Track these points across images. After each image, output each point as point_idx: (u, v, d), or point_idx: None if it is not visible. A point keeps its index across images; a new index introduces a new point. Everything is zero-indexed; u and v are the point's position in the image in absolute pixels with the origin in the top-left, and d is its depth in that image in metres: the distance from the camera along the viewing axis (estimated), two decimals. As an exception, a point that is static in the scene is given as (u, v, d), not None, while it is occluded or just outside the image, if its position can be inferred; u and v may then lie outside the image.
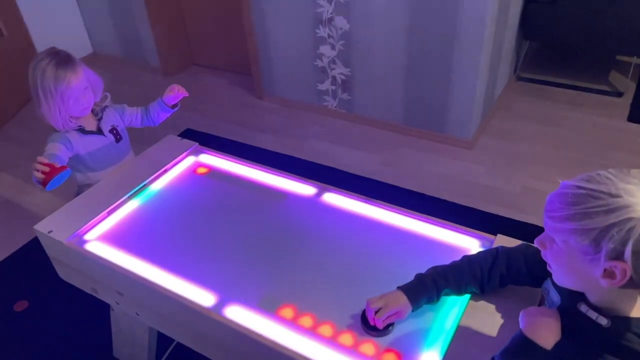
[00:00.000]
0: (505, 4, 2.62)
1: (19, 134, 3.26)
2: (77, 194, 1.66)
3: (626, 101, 3.07)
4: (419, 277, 1.12)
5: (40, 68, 1.55)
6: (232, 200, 1.52)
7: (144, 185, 1.59)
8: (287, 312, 1.15)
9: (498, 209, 2.37)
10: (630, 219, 0.69)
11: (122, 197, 1.52)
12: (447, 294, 1.12)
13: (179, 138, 1.79)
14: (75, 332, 1.95)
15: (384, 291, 1.10)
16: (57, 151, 1.58)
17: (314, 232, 1.38)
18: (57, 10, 3.78)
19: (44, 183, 1.42)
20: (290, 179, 1.58)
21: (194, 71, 3.94)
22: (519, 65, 3.43)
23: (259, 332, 1.10)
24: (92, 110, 1.72)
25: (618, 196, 0.71)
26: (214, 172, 1.65)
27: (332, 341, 1.08)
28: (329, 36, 2.90)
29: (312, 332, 1.11)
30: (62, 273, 1.53)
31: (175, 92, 1.75)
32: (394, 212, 1.41)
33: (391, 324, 1.08)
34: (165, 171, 1.65)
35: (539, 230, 0.83)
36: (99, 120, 1.74)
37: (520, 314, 0.90)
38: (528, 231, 2.19)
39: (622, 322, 0.78)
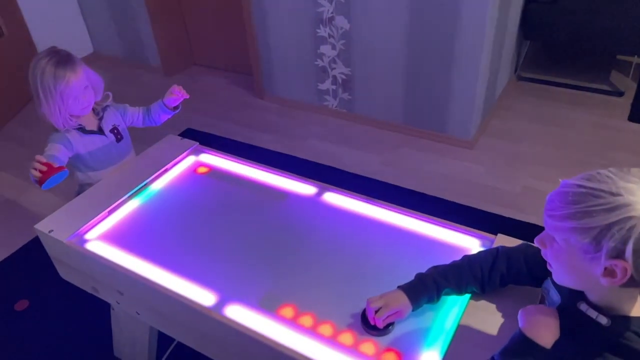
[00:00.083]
0: (505, 4, 2.62)
1: (20, 134, 3.26)
2: (78, 193, 1.66)
3: (627, 101, 3.06)
4: (419, 276, 1.12)
5: (40, 67, 1.55)
6: (232, 199, 1.52)
7: (145, 184, 1.59)
8: (288, 312, 1.16)
9: (498, 209, 2.37)
10: (630, 217, 0.69)
11: (122, 197, 1.53)
12: (448, 294, 1.12)
13: (180, 138, 1.79)
14: (75, 332, 1.96)
15: (384, 291, 1.10)
16: (55, 152, 1.58)
17: (314, 231, 1.38)
18: (58, 9, 3.79)
19: (40, 182, 1.43)
20: (290, 178, 1.58)
21: (194, 71, 3.94)
22: (520, 65, 3.43)
23: (259, 331, 1.10)
24: (93, 110, 1.72)
25: (619, 195, 0.71)
26: (214, 172, 1.65)
27: (332, 340, 1.08)
28: (330, 36, 2.90)
29: (312, 331, 1.11)
30: (63, 272, 1.53)
31: (176, 94, 1.75)
32: (394, 211, 1.41)
33: (391, 324, 1.08)
34: (166, 171, 1.65)
35: (539, 229, 0.83)
36: (100, 119, 1.74)
37: (519, 312, 0.90)
38: (528, 231, 2.18)
39: (622, 321, 0.78)
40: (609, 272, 0.74)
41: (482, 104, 2.78)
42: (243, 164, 1.67)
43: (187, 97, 1.77)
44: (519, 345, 0.86)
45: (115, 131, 1.77)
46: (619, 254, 0.71)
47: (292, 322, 1.13)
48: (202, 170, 1.66)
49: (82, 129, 1.68)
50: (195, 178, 1.63)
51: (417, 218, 1.39)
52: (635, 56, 3.23)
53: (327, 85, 3.12)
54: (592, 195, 0.73)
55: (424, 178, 2.62)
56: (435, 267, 1.13)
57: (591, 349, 0.80)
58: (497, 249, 1.12)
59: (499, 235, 1.26)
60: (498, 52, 2.78)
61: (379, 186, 2.57)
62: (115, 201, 1.51)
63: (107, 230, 1.44)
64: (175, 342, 1.80)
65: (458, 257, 1.15)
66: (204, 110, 3.35)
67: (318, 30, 2.92)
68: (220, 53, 3.81)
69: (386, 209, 1.42)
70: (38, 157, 1.45)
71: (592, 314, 0.81)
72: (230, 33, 3.59)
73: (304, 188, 1.54)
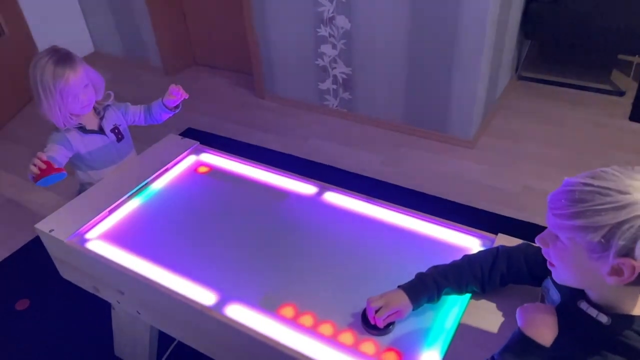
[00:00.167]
0: (506, 3, 2.61)
1: (21, 133, 3.26)
2: (79, 192, 1.66)
3: (628, 100, 3.06)
4: (419, 276, 1.12)
5: (40, 66, 1.55)
6: (233, 199, 1.53)
7: (145, 184, 1.59)
8: (288, 311, 1.16)
9: (499, 209, 2.37)
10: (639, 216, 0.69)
11: (123, 196, 1.53)
12: (448, 293, 1.12)
13: (180, 137, 1.79)
14: (76, 331, 1.96)
15: (384, 290, 1.10)
16: (54, 153, 1.58)
17: (315, 231, 1.38)
18: (59, 9, 3.79)
19: (36, 179, 1.44)
20: (291, 178, 1.58)
21: (195, 70, 3.94)
22: (521, 64, 3.42)
23: (259, 331, 1.10)
24: (94, 109, 1.72)
25: (627, 193, 0.71)
26: (215, 171, 1.65)
27: (332, 340, 1.08)
28: (330, 35, 2.90)
29: (312, 331, 1.11)
30: (64, 272, 1.53)
31: (175, 95, 1.74)
32: (395, 211, 1.41)
33: (392, 323, 1.08)
34: (167, 170, 1.65)
35: (539, 229, 0.83)
36: (101, 119, 1.74)
37: (517, 311, 0.90)
38: (529, 230, 2.18)
39: (623, 319, 0.78)
40: (615, 271, 0.73)
41: (483, 103, 2.78)
42: (244, 163, 1.67)
43: (187, 96, 1.76)
44: (519, 345, 0.86)
45: (116, 131, 1.77)
46: (628, 253, 0.71)
47: (293, 322, 1.13)
48: (202, 169, 1.66)
49: (82, 129, 1.68)
50: (196, 177, 1.63)
51: (417, 218, 1.39)
52: (637, 56, 3.22)
53: (327, 84, 3.12)
54: (600, 194, 0.72)
55: (425, 178, 2.62)
56: (436, 267, 1.13)
57: (591, 347, 0.80)
58: (497, 248, 1.12)
59: (500, 235, 1.26)
60: (499, 51, 2.77)
61: (380, 186, 2.57)
62: (116, 201, 1.51)
63: (107, 229, 1.44)
64: (175, 342, 1.80)
65: (459, 257, 1.15)
66: (204, 110, 3.35)
67: (319, 30, 2.92)
68: (221, 53, 3.81)
69: (387, 208, 1.42)
70: (40, 154, 1.46)
71: (593, 312, 0.81)
72: (231, 33, 3.59)
73: (304, 188, 1.54)
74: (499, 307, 1.10)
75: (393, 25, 2.66)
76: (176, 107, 1.80)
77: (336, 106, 3.18)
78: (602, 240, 0.72)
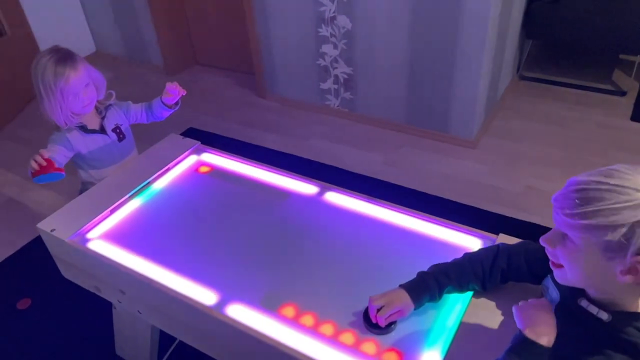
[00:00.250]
0: (507, 3, 2.61)
1: (23, 133, 3.27)
2: (81, 192, 1.66)
3: (630, 100, 3.05)
4: (421, 275, 1.12)
5: (41, 65, 1.56)
6: (234, 199, 1.53)
7: (147, 184, 1.59)
8: (289, 311, 1.16)
9: (500, 209, 2.37)
10: None
11: (124, 196, 1.53)
12: (449, 292, 1.12)
13: (181, 137, 1.79)
14: (77, 330, 1.96)
15: (386, 289, 1.10)
16: (54, 153, 1.59)
17: (316, 231, 1.38)
18: (61, 9, 3.79)
19: (34, 174, 1.46)
20: (292, 178, 1.58)
21: (196, 70, 3.94)
22: (522, 64, 3.42)
23: (260, 330, 1.10)
24: (96, 108, 1.72)
25: None
26: (216, 171, 1.65)
27: (333, 340, 1.08)
28: (332, 35, 2.90)
29: (313, 330, 1.11)
30: (65, 271, 1.53)
31: (172, 93, 1.74)
32: (396, 211, 1.41)
33: (393, 322, 1.08)
34: (168, 170, 1.65)
35: (541, 229, 0.83)
36: (103, 118, 1.74)
37: (514, 310, 0.89)
38: (530, 230, 2.19)
39: (624, 316, 0.78)
40: (630, 270, 0.73)
41: (485, 103, 2.77)
42: (245, 163, 1.67)
43: (184, 93, 1.76)
44: (521, 347, 0.86)
45: (118, 130, 1.77)
46: None
47: (294, 322, 1.13)
48: (203, 169, 1.66)
49: (83, 128, 1.69)
50: (197, 177, 1.63)
51: (419, 218, 1.38)
52: (638, 55, 3.21)
53: (329, 84, 3.12)
54: (616, 192, 0.71)
55: (426, 178, 2.62)
56: (437, 265, 1.13)
57: (592, 345, 0.79)
58: (497, 246, 1.12)
59: (501, 235, 1.26)
60: (500, 51, 2.77)
61: (381, 186, 2.57)
62: (117, 200, 1.51)
63: (109, 229, 1.44)
64: (176, 341, 1.80)
65: (460, 257, 1.15)
66: (205, 110, 3.35)
67: (320, 30, 2.92)
68: (222, 52, 3.81)
69: (388, 208, 1.42)
70: (42, 151, 1.48)
71: (593, 310, 0.81)
72: (232, 32, 3.59)
73: (305, 187, 1.54)
74: (500, 306, 1.10)
75: (394, 25, 2.66)
76: (176, 104, 1.80)
77: (337, 106, 3.18)
78: (622, 239, 0.71)
